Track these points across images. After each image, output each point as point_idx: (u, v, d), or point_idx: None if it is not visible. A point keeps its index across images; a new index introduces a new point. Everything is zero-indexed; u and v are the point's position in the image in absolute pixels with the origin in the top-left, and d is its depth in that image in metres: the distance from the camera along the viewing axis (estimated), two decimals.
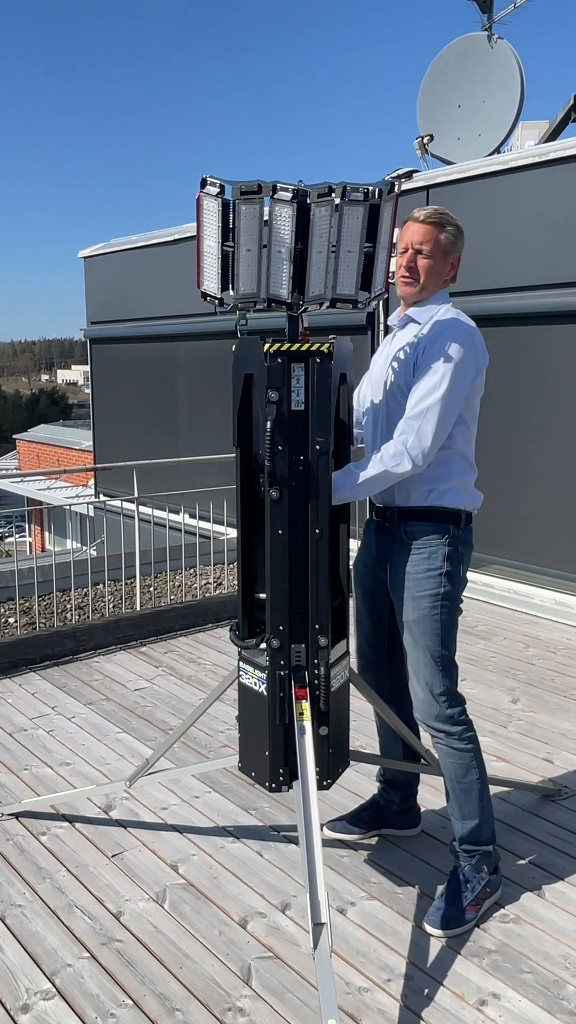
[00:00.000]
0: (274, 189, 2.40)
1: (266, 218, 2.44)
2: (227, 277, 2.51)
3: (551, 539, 5.98)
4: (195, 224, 2.53)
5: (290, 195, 2.39)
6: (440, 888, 2.83)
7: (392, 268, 2.73)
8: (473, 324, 2.74)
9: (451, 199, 6.38)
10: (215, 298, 2.57)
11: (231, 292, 2.54)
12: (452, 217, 2.77)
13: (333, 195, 2.44)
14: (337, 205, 2.46)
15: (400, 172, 6.69)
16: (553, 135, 7.36)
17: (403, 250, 2.76)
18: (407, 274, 2.74)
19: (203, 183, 2.46)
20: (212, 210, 2.46)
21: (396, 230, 2.67)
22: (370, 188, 2.48)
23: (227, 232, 2.47)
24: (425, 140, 7.18)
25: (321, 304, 2.58)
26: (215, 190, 2.44)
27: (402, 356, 2.73)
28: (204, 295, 2.59)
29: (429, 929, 2.70)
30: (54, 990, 2.46)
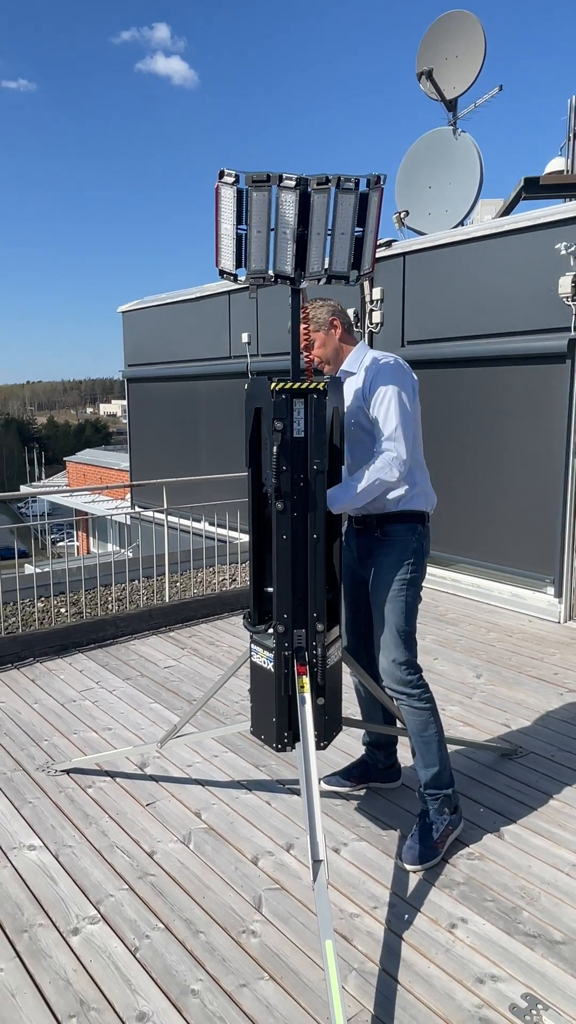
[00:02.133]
0: (280, 178, 2.41)
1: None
2: (240, 256, 2.52)
3: (508, 543, 5.99)
4: (214, 231, 2.51)
5: (294, 183, 2.41)
6: (412, 829, 2.84)
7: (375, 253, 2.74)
8: (394, 357, 2.80)
9: (423, 263, 6.42)
10: (231, 274, 2.56)
11: (244, 269, 2.54)
12: (314, 304, 2.85)
13: (330, 183, 2.45)
14: (333, 192, 2.47)
15: (381, 241, 6.74)
16: (507, 211, 7.40)
17: (301, 347, 2.83)
18: (319, 363, 2.88)
19: (221, 174, 2.44)
20: (228, 197, 2.45)
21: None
22: (359, 179, 2.50)
23: (240, 216, 2.47)
24: (402, 215, 7.22)
25: (319, 280, 2.59)
26: (231, 179, 2.43)
27: (355, 400, 2.80)
28: (221, 272, 2.57)
29: (405, 865, 2.71)
30: (99, 916, 2.47)
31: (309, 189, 2.44)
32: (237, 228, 2.49)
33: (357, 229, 2.57)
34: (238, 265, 2.54)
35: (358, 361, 2.83)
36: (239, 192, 2.45)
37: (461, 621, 5.60)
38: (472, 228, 6.09)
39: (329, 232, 2.54)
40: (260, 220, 2.47)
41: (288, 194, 2.43)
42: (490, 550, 6.11)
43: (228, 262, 2.54)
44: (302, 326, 2.77)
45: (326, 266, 2.58)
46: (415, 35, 7.31)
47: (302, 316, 2.75)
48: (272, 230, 2.50)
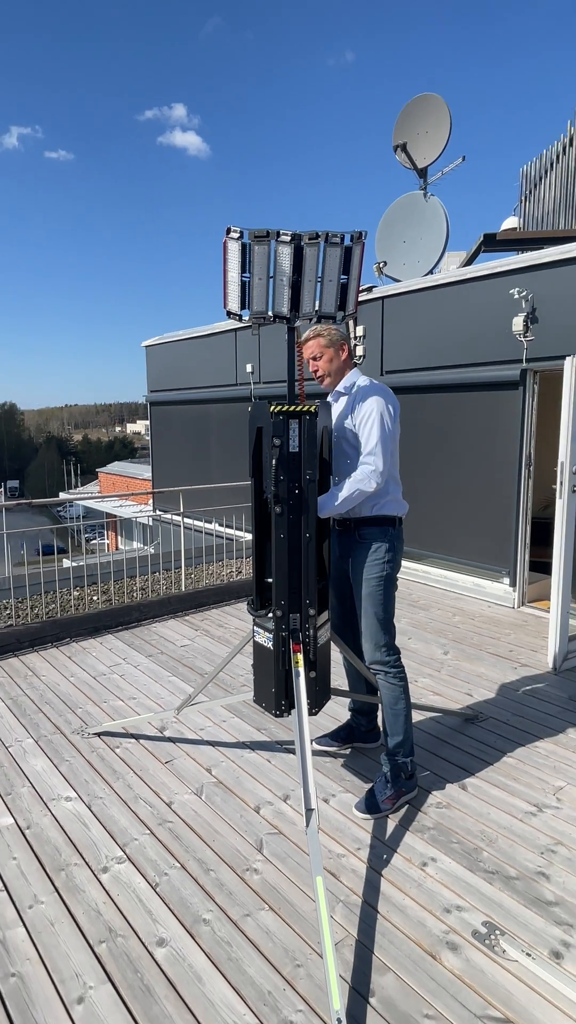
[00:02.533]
0: (278, 234, 2.44)
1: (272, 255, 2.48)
2: (244, 299, 2.53)
3: (469, 541, 5.99)
4: (222, 278, 2.52)
5: (289, 238, 2.43)
6: (371, 784, 2.85)
7: (355, 303, 2.73)
8: (382, 384, 2.79)
9: (399, 306, 6.43)
10: (237, 314, 2.57)
11: (248, 310, 2.56)
12: (329, 327, 2.81)
13: (319, 238, 2.48)
14: (322, 246, 2.50)
15: (363, 287, 6.75)
16: (469, 261, 7.41)
17: (308, 361, 2.82)
18: (317, 375, 2.83)
19: (228, 231, 2.46)
20: (234, 249, 2.47)
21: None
22: (345, 234, 2.53)
23: (244, 265, 2.49)
24: (381, 265, 7.23)
25: (310, 320, 2.61)
26: (237, 235, 2.46)
27: (343, 417, 2.78)
28: (229, 313, 2.57)
29: (355, 811, 2.70)
30: (125, 857, 2.47)
31: (302, 243, 2.46)
32: (242, 276, 2.50)
33: (343, 276, 2.59)
34: (242, 307, 2.56)
35: (352, 383, 2.81)
36: (243, 245, 2.47)
37: (431, 607, 5.60)
38: (440, 276, 6.10)
39: (319, 279, 2.56)
40: (261, 269, 2.49)
41: (284, 247, 2.45)
42: (456, 547, 6.11)
43: (234, 304, 2.55)
44: (316, 340, 2.77)
45: (316, 308, 2.60)
46: (393, 114, 7.32)
47: (315, 333, 2.76)
48: (271, 277, 2.51)
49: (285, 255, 2.47)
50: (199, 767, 3.08)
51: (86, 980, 1.96)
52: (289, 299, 2.53)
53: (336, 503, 2.65)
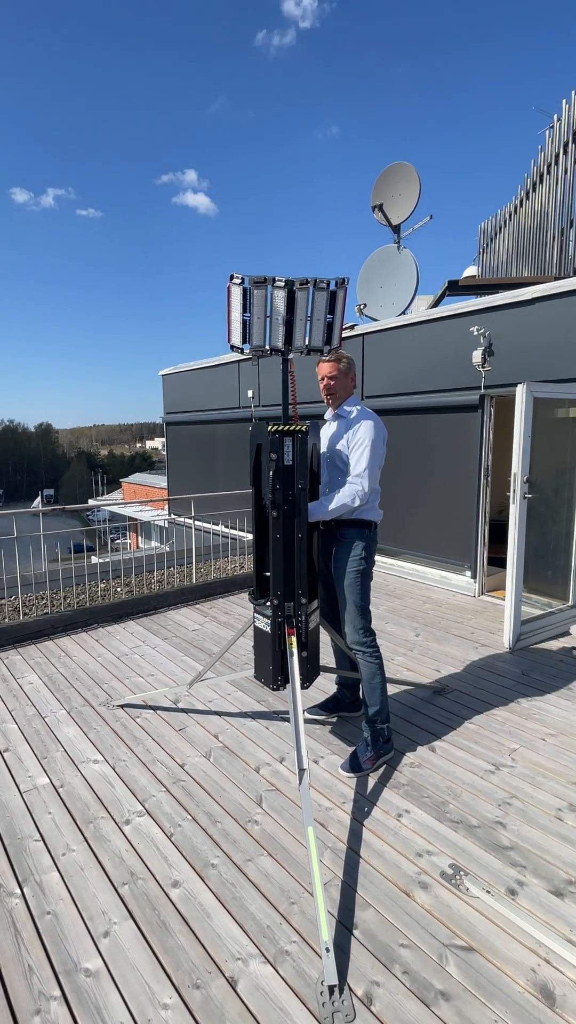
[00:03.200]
0: (274, 280, 2.46)
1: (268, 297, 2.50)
2: (245, 335, 2.55)
3: (437, 540, 6.00)
4: (226, 317, 2.54)
5: (283, 283, 2.47)
6: (354, 747, 2.84)
7: (337, 340, 2.73)
8: (374, 413, 2.76)
9: (377, 341, 6.45)
10: (239, 348, 2.59)
11: (248, 344, 2.57)
12: (344, 354, 2.79)
13: (309, 284, 2.50)
14: (311, 290, 2.53)
15: (347, 325, 6.77)
16: (435, 304, 7.43)
17: (320, 380, 2.79)
18: (328, 394, 2.79)
19: (231, 277, 2.48)
20: (237, 293, 2.49)
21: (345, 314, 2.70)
22: (330, 280, 2.55)
23: (245, 306, 2.51)
24: (361, 307, 7.25)
25: (301, 352, 2.63)
26: (239, 281, 2.47)
27: (339, 437, 2.76)
28: (232, 347, 2.58)
29: (341, 771, 2.69)
30: (144, 811, 2.45)
31: (294, 288, 2.48)
32: (243, 315, 2.52)
33: (328, 316, 2.60)
34: (244, 341, 2.57)
35: (350, 407, 2.77)
36: (244, 289, 2.48)
37: (405, 596, 5.60)
38: (411, 316, 6.13)
39: (309, 318, 2.57)
40: (259, 309, 2.51)
41: (279, 291, 2.47)
42: (425, 545, 6.12)
43: (237, 339, 2.57)
44: (335, 363, 2.75)
45: (307, 342, 2.61)
46: (371, 178, 7.34)
47: (335, 357, 2.75)
48: (268, 317, 2.53)
49: (280, 298, 2.49)
50: (208, 734, 3.07)
51: (111, 917, 1.94)
52: (283, 335, 2.55)
53: (324, 512, 2.65)
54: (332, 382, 2.77)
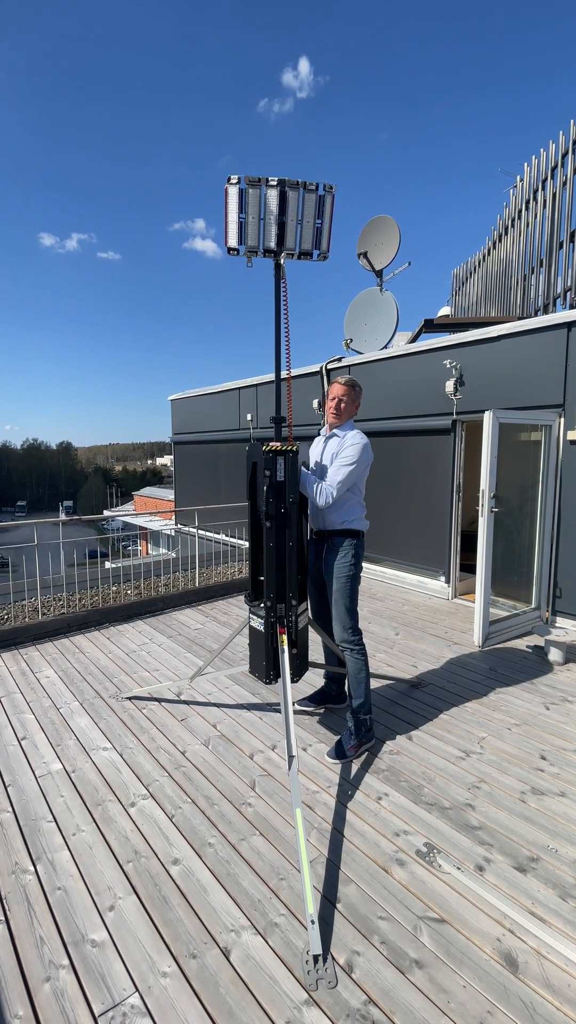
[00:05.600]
0: (267, 180, 2.34)
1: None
2: (241, 236, 2.41)
3: (414, 548, 6.01)
4: (223, 219, 2.39)
5: (276, 183, 2.34)
6: (339, 735, 2.82)
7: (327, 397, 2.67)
8: (366, 438, 2.76)
9: (363, 372, 6.49)
10: (235, 249, 2.42)
11: (244, 245, 2.42)
12: (356, 382, 2.80)
13: (299, 185, 2.38)
14: (301, 192, 2.39)
15: (334, 358, 6.82)
16: (413, 340, 7.50)
17: (332, 399, 2.77)
18: (335, 411, 2.77)
19: (228, 179, 2.35)
20: (233, 194, 2.36)
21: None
22: (319, 184, 2.41)
23: (241, 207, 2.37)
24: (348, 341, 7.31)
25: (292, 255, 2.46)
26: (235, 181, 2.35)
27: (331, 451, 2.77)
28: (228, 249, 2.42)
29: (326, 757, 2.66)
30: (148, 794, 2.42)
31: (286, 188, 2.34)
32: (239, 216, 2.36)
33: (318, 221, 2.45)
34: (239, 242, 2.39)
35: (346, 430, 2.77)
36: (240, 190, 2.34)
37: (386, 599, 5.59)
38: (392, 350, 6.18)
39: (299, 221, 2.42)
40: (254, 209, 2.37)
41: (272, 190, 2.35)
42: (404, 553, 6.12)
43: (233, 241, 2.40)
44: (350, 388, 2.70)
45: (298, 246, 2.46)
46: (357, 229, 7.45)
47: (350, 383, 2.69)
48: (262, 219, 2.38)
49: (272, 197, 2.34)
50: (207, 723, 3.04)
51: (116, 892, 1.91)
52: (276, 236, 2.39)
53: (301, 485, 2.62)
54: (342, 404, 2.75)
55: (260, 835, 2.17)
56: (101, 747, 2.79)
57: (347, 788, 2.46)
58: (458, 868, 2.01)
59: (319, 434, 2.91)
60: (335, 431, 2.80)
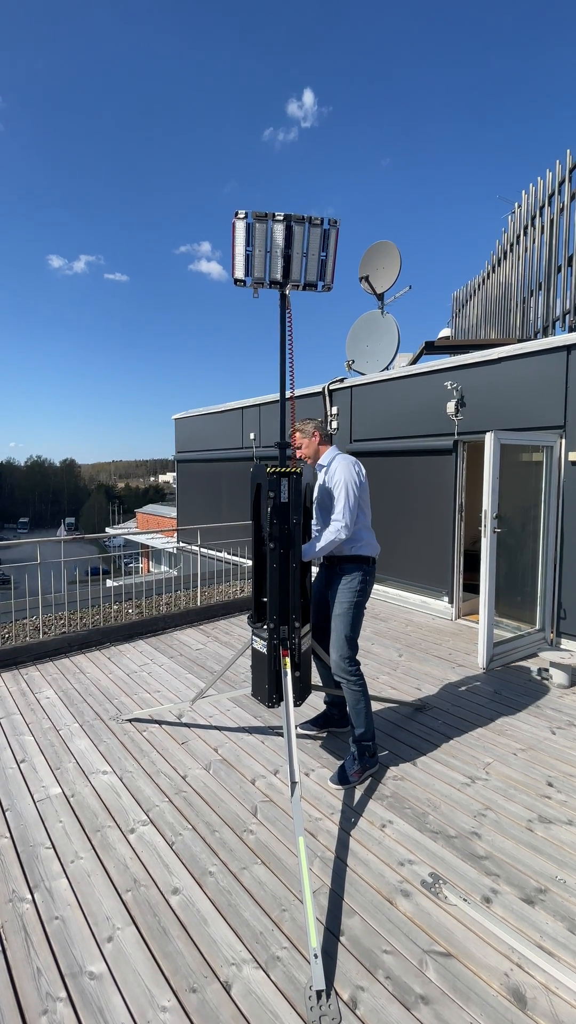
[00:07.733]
0: (273, 215, 2.39)
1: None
2: (248, 268, 2.45)
3: (417, 568, 5.99)
4: (231, 253, 2.43)
5: (282, 218, 2.39)
6: (342, 762, 2.79)
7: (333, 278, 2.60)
8: (351, 457, 2.78)
9: (364, 392, 6.57)
10: (242, 280, 2.46)
11: (250, 277, 2.46)
12: (304, 423, 2.85)
13: (304, 220, 2.42)
14: (306, 226, 2.43)
15: (337, 379, 6.90)
16: (414, 361, 7.60)
17: (296, 451, 2.85)
18: (299, 455, 2.87)
19: (236, 214, 2.39)
20: (240, 228, 2.40)
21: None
22: (323, 219, 2.46)
23: (248, 240, 2.41)
24: (350, 363, 7.40)
25: (298, 287, 2.50)
26: (243, 216, 2.40)
27: (322, 484, 2.81)
28: (236, 281, 2.45)
29: (330, 783, 2.63)
30: (148, 820, 2.39)
31: (291, 222, 2.40)
32: (246, 249, 2.41)
33: (322, 253, 2.50)
34: (246, 274, 2.44)
35: (329, 458, 2.82)
36: (247, 224, 2.40)
37: (389, 619, 5.56)
38: (393, 372, 6.26)
39: (304, 254, 2.47)
40: (260, 243, 2.42)
41: (278, 225, 2.40)
42: (407, 573, 6.11)
43: (240, 272, 2.44)
44: (296, 434, 2.77)
45: (303, 278, 2.51)
46: (359, 253, 7.60)
47: (295, 429, 2.76)
48: (268, 252, 2.43)
49: (279, 231, 2.39)
50: (208, 747, 3.01)
51: (115, 923, 1.87)
52: (282, 268, 2.43)
53: (314, 552, 2.66)
54: (302, 447, 2.86)
55: (262, 864, 2.13)
56: (101, 770, 2.76)
57: (350, 815, 2.42)
58: (464, 899, 1.97)
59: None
60: (320, 463, 2.86)
